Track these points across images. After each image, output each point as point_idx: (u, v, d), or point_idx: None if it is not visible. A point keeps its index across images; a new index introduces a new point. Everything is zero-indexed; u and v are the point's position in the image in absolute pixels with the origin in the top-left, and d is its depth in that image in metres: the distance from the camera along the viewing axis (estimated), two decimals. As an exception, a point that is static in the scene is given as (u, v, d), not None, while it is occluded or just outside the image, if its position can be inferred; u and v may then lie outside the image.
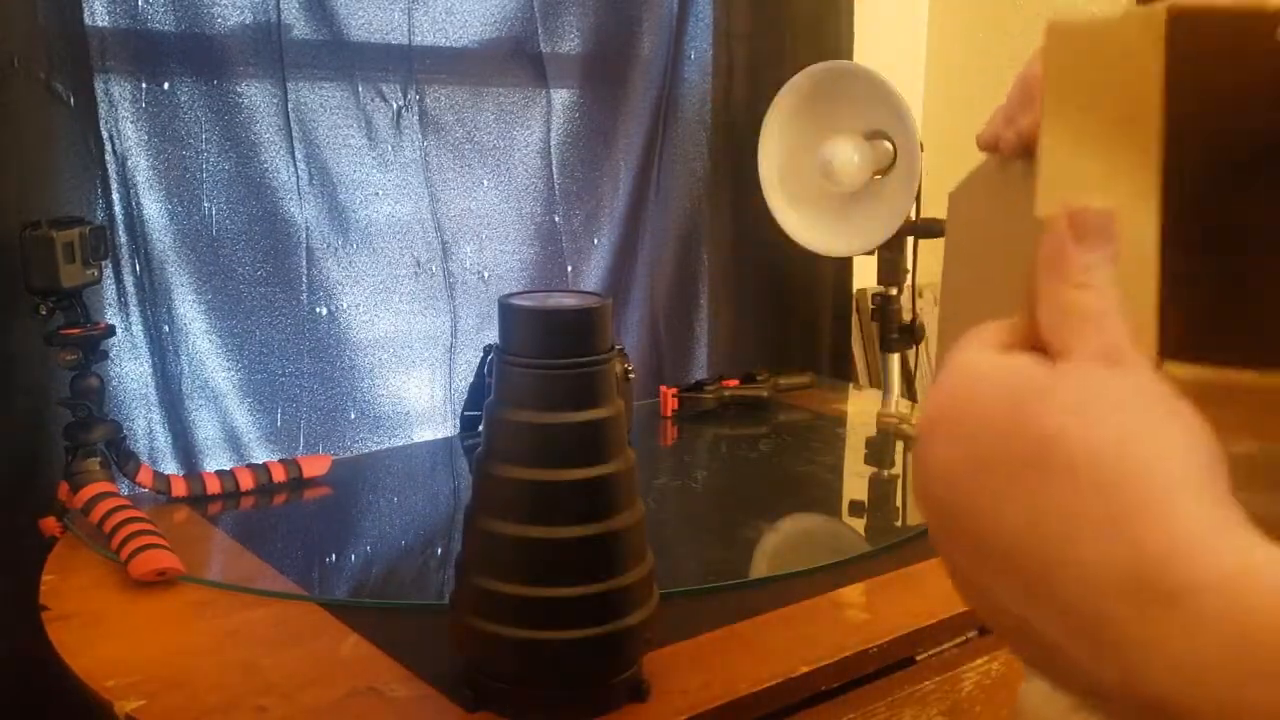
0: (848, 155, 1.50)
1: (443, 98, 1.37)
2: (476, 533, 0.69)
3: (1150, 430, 0.28)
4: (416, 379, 1.40)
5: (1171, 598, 0.25)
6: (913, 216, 1.54)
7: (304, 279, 1.29)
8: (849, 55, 1.67)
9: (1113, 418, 0.28)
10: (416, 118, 1.35)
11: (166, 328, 1.22)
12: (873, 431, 1.50)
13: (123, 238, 1.18)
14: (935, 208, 1.58)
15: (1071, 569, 0.27)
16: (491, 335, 1.27)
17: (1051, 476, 0.28)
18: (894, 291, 1.61)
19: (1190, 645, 0.25)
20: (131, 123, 1.17)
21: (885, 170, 1.55)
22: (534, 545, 0.67)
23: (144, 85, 1.17)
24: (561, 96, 1.46)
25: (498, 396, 0.69)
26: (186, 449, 1.24)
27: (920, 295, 1.85)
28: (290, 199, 1.27)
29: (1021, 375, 0.30)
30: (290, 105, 1.25)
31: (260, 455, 1.28)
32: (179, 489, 1.09)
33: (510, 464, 0.67)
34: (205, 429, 1.26)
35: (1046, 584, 0.27)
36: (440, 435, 1.39)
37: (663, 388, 1.43)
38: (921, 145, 1.47)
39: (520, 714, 0.70)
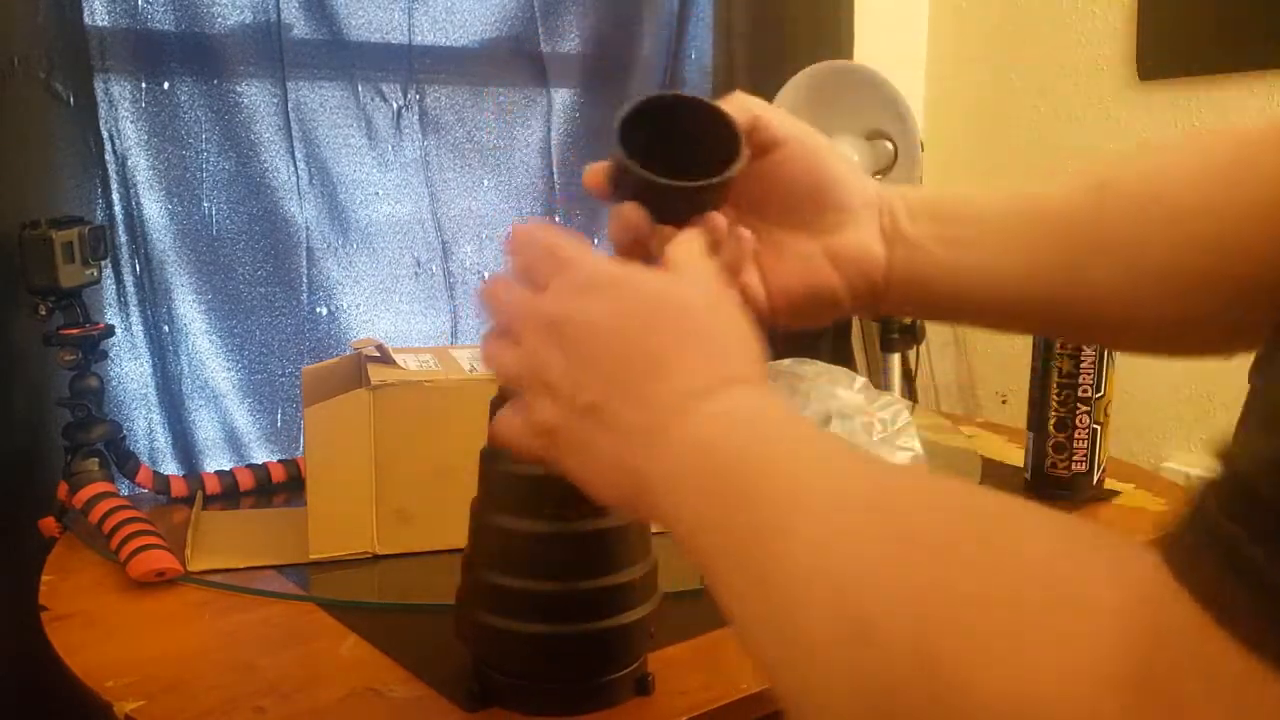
0: (847, 155, 1.50)
1: (443, 97, 1.37)
2: (484, 528, 0.69)
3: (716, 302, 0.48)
4: (416, 379, 1.40)
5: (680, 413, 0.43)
6: (913, 216, 1.53)
7: (304, 279, 1.29)
8: (849, 55, 1.67)
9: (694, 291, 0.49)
10: (416, 117, 1.35)
11: (166, 328, 1.22)
12: (873, 431, 1.50)
13: (123, 237, 1.18)
14: (935, 208, 1.58)
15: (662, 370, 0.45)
16: (491, 335, 1.26)
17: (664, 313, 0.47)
18: (894, 291, 1.61)
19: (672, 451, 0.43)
20: (131, 122, 1.17)
21: (885, 170, 1.54)
22: (545, 540, 0.67)
23: (144, 85, 1.17)
24: (561, 96, 1.46)
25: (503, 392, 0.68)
26: (186, 449, 1.24)
27: (920, 295, 1.85)
28: (290, 199, 1.27)
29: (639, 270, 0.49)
30: (290, 105, 1.25)
31: (260, 455, 1.28)
32: (179, 489, 1.09)
33: (517, 459, 0.67)
34: (205, 429, 1.26)
35: (642, 377, 0.45)
36: (440, 435, 1.39)
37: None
38: (922, 145, 1.46)
39: (527, 708, 0.70)
